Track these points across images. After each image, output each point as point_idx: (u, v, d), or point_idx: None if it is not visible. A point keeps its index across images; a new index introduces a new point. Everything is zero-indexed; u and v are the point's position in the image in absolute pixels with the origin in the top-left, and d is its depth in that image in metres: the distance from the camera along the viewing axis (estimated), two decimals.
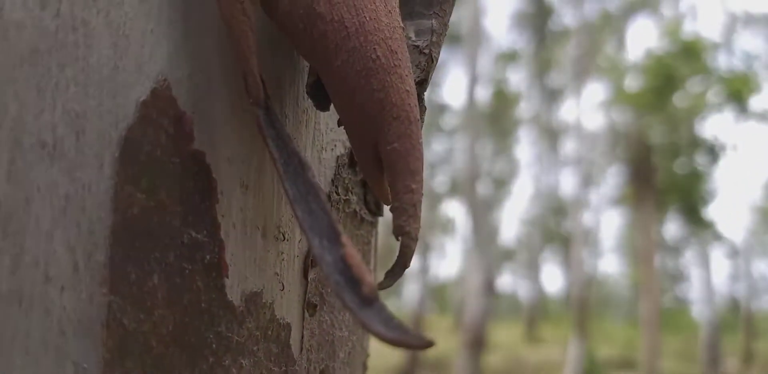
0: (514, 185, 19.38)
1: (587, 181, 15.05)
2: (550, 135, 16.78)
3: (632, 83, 12.33)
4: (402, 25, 0.45)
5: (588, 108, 15.05)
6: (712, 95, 12.57)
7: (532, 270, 17.53)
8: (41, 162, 0.33)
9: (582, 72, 13.04)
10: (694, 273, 18.05)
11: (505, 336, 16.81)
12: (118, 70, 0.36)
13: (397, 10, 0.43)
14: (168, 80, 0.38)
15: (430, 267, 17.00)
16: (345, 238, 0.36)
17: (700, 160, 13.04)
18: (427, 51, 0.46)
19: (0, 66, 0.32)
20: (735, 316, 18.51)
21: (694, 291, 18.76)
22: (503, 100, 15.51)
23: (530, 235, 17.54)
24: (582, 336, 13.36)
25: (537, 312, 17.34)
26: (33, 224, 0.32)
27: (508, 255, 20.75)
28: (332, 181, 0.51)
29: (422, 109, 0.45)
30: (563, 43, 14.11)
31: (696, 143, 12.87)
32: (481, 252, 12.75)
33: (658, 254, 13.51)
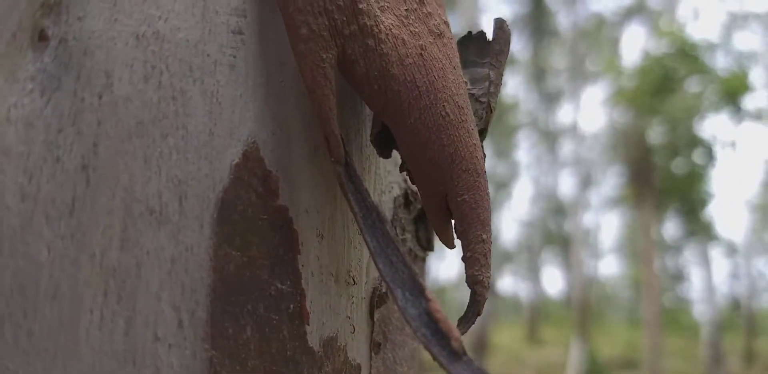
0: (513, 187, 19.46)
1: (586, 182, 15.10)
2: (549, 137, 16.84)
3: (630, 84, 12.38)
4: (464, 78, 0.47)
5: (586, 109, 15.11)
6: (709, 95, 12.62)
7: (533, 271, 17.56)
8: (149, 228, 0.35)
9: (579, 74, 13.09)
10: (695, 273, 18.10)
11: (506, 337, 16.82)
12: (214, 135, 0.38)
13: (459, 64, 0.45)
14: (256, 142, 0.40)
15: (431, 270, 17.01)
16: (429, 292, 0.38)
17: (699, 159, 13.09)
18: (484, 100, 0.49)
19: (111, 139, 0.34)
20: (736, 315, 18.53)
21: (694, 290, 18.81)
22: (501, 103, 15.58)
23: (530, 237, 17.58)
24: (583, 337, 13.39)
25: (538, 314, 17.36)
26: (143, 287, 0.34)
27: (508, 256, 20.80)
28: (391, 221, 0.53)
29: (482, 156, 0.48)
30: (560, 46, 14.18)
31: (694, 143, 12.91)
32: None
33: (658, 254, 13.54)
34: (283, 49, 0.42)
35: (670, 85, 11.97)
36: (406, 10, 0.44)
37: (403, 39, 0.42)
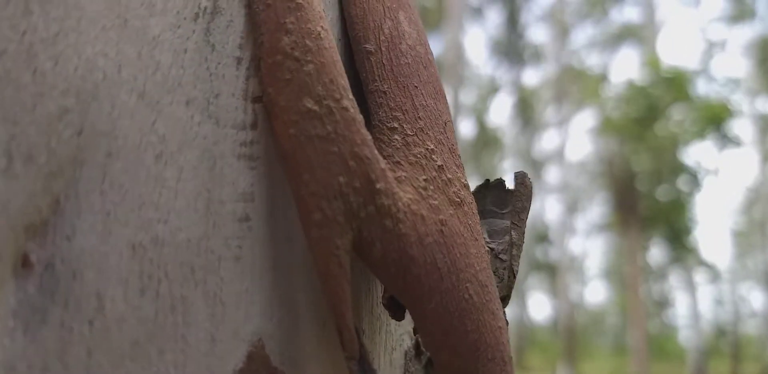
0: None
1: (572, 208, 15.15)
2: (534, 163, 16.93)
3: (616, 113, 12.51)
4: (482, 231, 0.44)
5: (572, 137, 15.23)
6: (693, 122, 12.78)
7: (519, 298, 17.49)
8: None
9: (563, 102, 13.22)
10: (680, 299, 18.12)
11: None
12: (215, 342, 0.34)
13: (480, 231, 0.42)
14: (262, 339, 0.36)
15: None
16: None
17: (683, 186, 13.19)
18: (505, 257, 0.45)
19: (102, 368, 0.30)
20: (721, 341, 18.54)
21: (680, 316, 18.82)
22: (486, 131, 15.66)
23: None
24: (570, 363, 13.30)
25: (524, 340, 17.28)
26: None
27: None
28: None
29: (506, 324, 0.44)
30: (544, 75, 14.34)
31: (679, 170, 13.03)
32: None
33: (643, 280, 13.57)
34: (291, 225, 0.39)
35: (654, 113, 12.11)
36: (425, 179, 0.41)
37: (422, 215, 0.39)
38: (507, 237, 0.45)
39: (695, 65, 14.61)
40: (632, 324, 13.22)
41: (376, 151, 0.39)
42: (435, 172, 0.41)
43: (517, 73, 15.24)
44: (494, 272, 0.45)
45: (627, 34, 14.78)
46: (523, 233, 0.45)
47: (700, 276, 17.02)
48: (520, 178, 0.45)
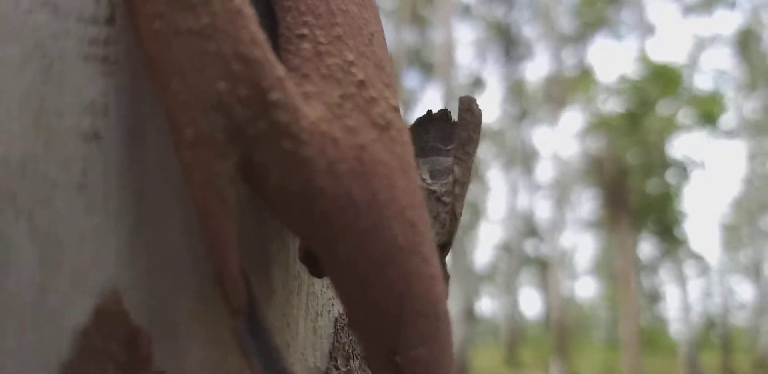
0: (489, 210, 19.42)
1: (562, 203, 15.12)
2: (525, 160, 16.91)
3: (605, 107, 12.49)
4: (420, 177, 0.36)
5: (562, 132, 15.21)
6: (684, 116, 12.78)
7: (510, 294, 17.49)
8: None
9: (552, 98, 13.20)
10: (670, 292, 18.17)
11: (485, 360, 16.70)
12: (45, 292, 0.26)
13: (413, 162, 0.34)
14: (117, 290, 0.28)
15: None
16: None
17: (672, 179, 13.20)
18: (448, 200, 0.37)
19: None
20: (712, 333, 18.63)
21: (671, 309, 18.88)
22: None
23: (506, 259, 17.53)
24: (563, 358, 13.29)
25: (516, 336, 17.29)
26: None
27: (485, 279, 20.68)
28: (330, 352, 0.41)
29: (447, 280, 0.36)
30: (531, 71, 14.30)
31: (668, 163, 13.03)
32: (460, 279, 12.68)
33: (635, 274, 13.57)
34: (164, 150, 0.31)
35: (645, 107, 12.09)
36: (340, 96, 0.32)
37: (334, 138, 0.31)
38: (452, 181, 0.37)
39: (684, 59, 14.61)
40: (624, 318, 13.21)
41: (273, 55, 0.30)
42: (354, 88, 0.33)
43: (507, 69, 15.20)
44: (435, 217, 0.37)
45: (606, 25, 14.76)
46: (470, 169, 0.37)
47: (690, 270, 17.07)
48: (466, 103, 0.37)
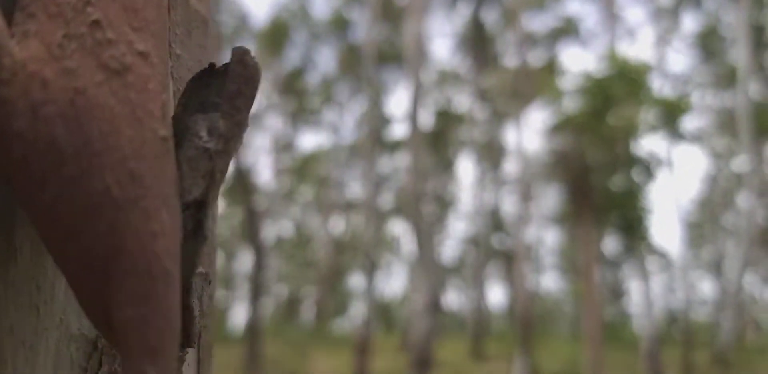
0: (457, 203, 19.50)
1: (527, 198, 15.26)
2: (493, 154, 16.99)
3: (571, 105, 12.59)
4: (195, 135, 0.33)
5: (530, 128, 15.32)
6: (647, 116, 12.96)
7: (476, 287, 17.60)
8: None
9: (521, 95, 13.27)
10: (634, 287, 18.47)
11: (451, 353, 16.78)
12: None
13: (157, 112, 0.31)
14: None
15: (377, 287, 16.88)
16: None
17: (636, 177, 13.38)
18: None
19: None
20: (674, 328, 18.98)
21: (634, 305, 19.20)
22: (447, 119, 15.63)
23: (473, 253, 17.65)
24: (527, 351, 13.42)
25: (482, 329, 17.41)
26: None
27: (452, 272, 20.77)
28: None
29: (200, 240, 0.34)
30: (502, 68, 14.38)
31: (632, 161, 13.21)
32: (426, 272, 12.72)
33: (598, 269, 13.76)
34: None
35: (609, 105, 12.22)
36: (64, 35, 0.30)
37: (43, 79, 0.28)
38: (216, 137, 0.35)
39: (649, 60, 14.80)
40: (587, 313, 13.38)
41: None
42: (85, 28, 0.30)
43: (478, 65, 15.24)
44: (203, 176, 0.35)
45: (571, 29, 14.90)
46: (239, 124, 0.35)
47: (653, 266, 17.36)
48: (239, 55, 0.35)
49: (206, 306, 0.40)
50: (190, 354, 0.38)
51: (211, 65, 0.38)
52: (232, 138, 0.35)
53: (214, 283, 0.43)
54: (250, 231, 13.54)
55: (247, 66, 0.35)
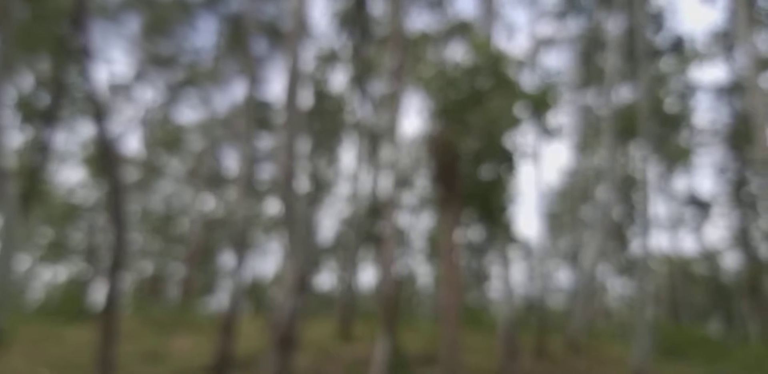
0: (336, 185, 19.62)
1: (401, 183, 15.58)
2: (372, 138, 17.18)
3: (443, 94, 12.92)
4: None
5: (407, 113, 15.59)
6: (515, 109, 13.52)
7: (349, 269, 17.82)
8: None
9: (399, 80, 13.47)
10: (495, 274, 19.36)
11: (318, 333, 16.89)
12: None
13: None
14: None
15: (247, 266, 16.68)
16: None
17: (501, 168, 13.96)
18: None
19: None
20: (530, 314, 20.03)
21: (495, 290, 20.14)
22: (325, 100, 15.62)
23: (347, 235, 17.84)
24: (389, 333, 13.75)
25: (350, 311, 17.66)
26: None
27: (327, 253, 20.91)
28: None
29: None
30: (381, 51, 14.50)
31: (498, 152, 13.76)
32: (294, 251, 12.71)
33: (460, 254, 14.27)
34: None
35: (477, 96, 12.65)
36: None
37: None
38: None
39: (523, 58, 15.44)
40: (444, 295, 13.88)
41: None
42: None
43: (359, 44, 15.28)
44: None
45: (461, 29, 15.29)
46: None
47: (514, 253, 18.26)
48: None
49: None
50: None
51: None
52: None
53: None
54: (113, 202, 12.96)
55: None
